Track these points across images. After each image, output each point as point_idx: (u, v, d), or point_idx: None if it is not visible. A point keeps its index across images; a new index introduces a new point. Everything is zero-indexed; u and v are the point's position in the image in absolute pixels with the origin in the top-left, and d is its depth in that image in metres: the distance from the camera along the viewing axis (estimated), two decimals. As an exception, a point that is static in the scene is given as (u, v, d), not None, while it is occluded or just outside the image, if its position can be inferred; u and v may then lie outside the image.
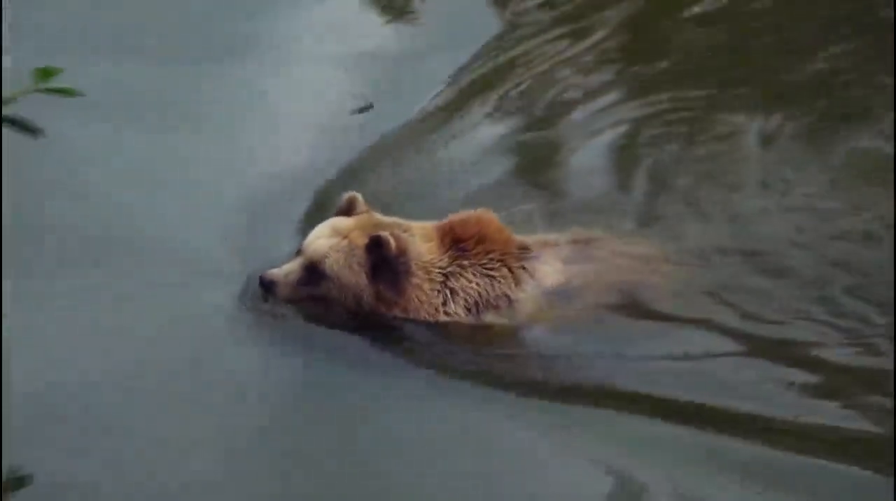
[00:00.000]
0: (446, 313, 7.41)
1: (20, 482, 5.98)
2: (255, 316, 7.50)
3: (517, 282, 7.48)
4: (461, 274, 7.41)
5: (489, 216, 7.59)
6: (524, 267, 7.53)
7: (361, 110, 9.86)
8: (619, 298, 7.59)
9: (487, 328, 7.47)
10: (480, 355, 7.40)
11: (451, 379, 7.20)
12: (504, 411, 6.97)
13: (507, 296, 7.47)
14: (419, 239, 7.42)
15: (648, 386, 7.09)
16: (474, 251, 7.45)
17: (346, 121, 9.80)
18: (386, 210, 7.75)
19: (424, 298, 7.37)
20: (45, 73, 4.65)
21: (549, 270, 7.55)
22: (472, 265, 7.44)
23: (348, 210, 7.51)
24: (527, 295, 7.49)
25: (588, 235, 7.85)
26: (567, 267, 7.61)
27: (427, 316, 7.40)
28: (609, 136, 9.51)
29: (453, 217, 7.59)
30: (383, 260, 7.25)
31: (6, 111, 4.57)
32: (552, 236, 7.81)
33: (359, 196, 7.56)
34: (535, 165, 9.28)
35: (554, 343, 7.43)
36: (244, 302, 7.55)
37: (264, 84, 10.26)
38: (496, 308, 7.47)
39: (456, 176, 9.06)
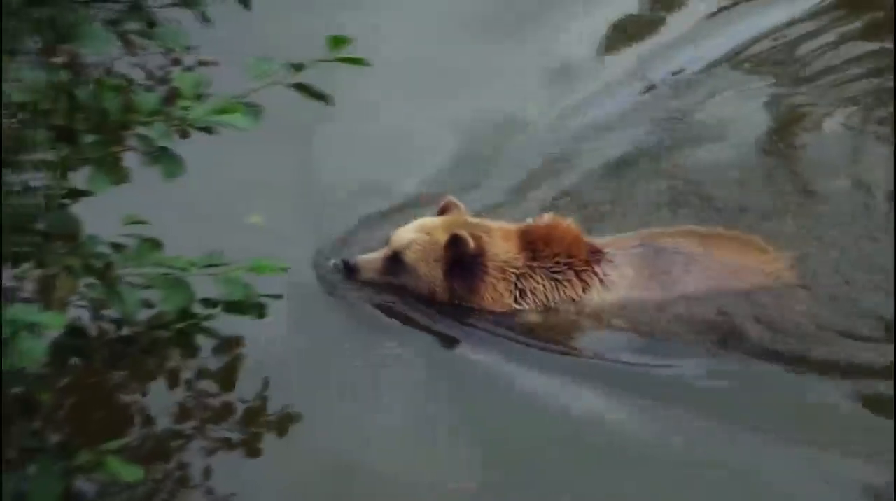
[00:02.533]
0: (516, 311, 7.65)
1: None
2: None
3: (584, 287, 7.65)
4: (531, 276, 7.64)
5: (562, 220, 7.77)
6: (594, 272, 7.65)
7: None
8: (691, 310, 7.63)
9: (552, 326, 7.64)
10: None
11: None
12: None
13: (573, 300, 7.65)
14: (499, 240, 7.66)
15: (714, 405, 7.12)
16: (544, 254, 7.65)
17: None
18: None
19: (497, 296, 7.63)
20: (337, 42, 5.03)
21: (618, 276, 7.67)
22: (540, 268, 7.65)
23: (444, 212, 7.81)
24: (591, 300, 7.65)
25: (667, 238, 7.85)
26: (638, 273, 7.70)
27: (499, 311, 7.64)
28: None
29: (533, 221, 7.84)
30: (461, 258, 7.53)
31: (302, 77, 5.07)
32: (628, 236, 7.89)
33: (455, 200, 7.82)
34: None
35: (604, 349, 7.53)
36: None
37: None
38: (562, 310, 7.65)
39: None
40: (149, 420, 6.67)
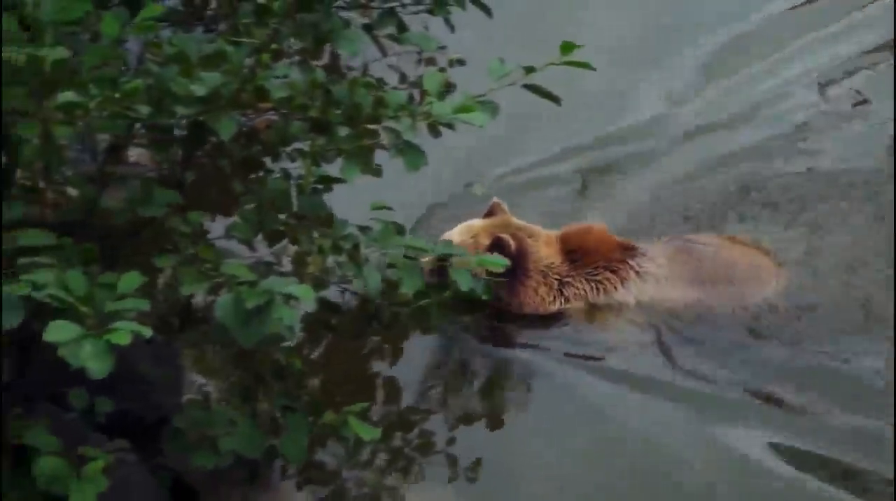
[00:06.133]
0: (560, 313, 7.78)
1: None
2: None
3: (622, 281, 7.79)
4: (572, 281, 7.77)
5: (595, 224, 7.96)
6: (629, 266, 7.82)
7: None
8: (720, 294, 7.80)
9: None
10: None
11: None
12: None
13: (612, 295, 7.79)
14: (542, 245, 7.76)
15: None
16: (583, 259, 7.78)
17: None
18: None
19: (539, 300, 7.74)
20: (567, 47, 5.36)
21: (653, 266, 7.84)
22: (580, 272, 7.78)
23: (491, 214, 7.88)
24: (629, 292, 7.80)
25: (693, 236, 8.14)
26: (671, 261, 7.88)
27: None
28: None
29: (569, 226, 7.97)
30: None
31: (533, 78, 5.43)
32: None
33: (502, 202, 7.88)
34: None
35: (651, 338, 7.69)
36: None
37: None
38: (603, 306, 7.80)
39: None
40: (391, 389, 7.14)
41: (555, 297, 7.75)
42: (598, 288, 7.78)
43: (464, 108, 5.31)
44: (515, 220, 7.84)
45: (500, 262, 5.89)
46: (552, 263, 7.75)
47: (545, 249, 7.76)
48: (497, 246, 7.44)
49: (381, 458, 6.62)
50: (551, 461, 6.75)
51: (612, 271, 7.80)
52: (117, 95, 4.65)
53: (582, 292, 7.78)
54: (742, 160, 9.19)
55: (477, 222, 7.82)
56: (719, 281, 7.85)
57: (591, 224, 7.98)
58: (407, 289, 5.58)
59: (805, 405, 7.20)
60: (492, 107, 5.37)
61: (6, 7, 4.64)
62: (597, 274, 7.78)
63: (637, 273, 7.81)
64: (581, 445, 6.90)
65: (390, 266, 5.60)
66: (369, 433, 5.58)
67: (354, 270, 5.53)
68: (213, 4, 6.92)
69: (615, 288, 7.78)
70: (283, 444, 5.61)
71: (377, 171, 5.76)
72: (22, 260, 4.64)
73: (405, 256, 5.62)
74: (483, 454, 6.68)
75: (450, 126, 5.35)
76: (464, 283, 5.69)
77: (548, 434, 6.93)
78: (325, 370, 7.11)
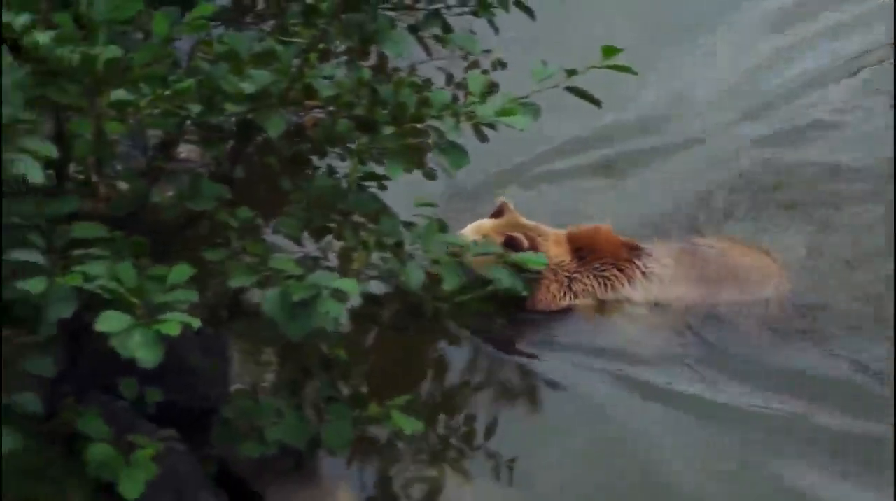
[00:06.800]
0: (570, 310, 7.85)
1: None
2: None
3: (628, 280, 7.88)
4: (581, 278, 7.85)
5: (602, 225, 8.00)
6: (635, 265, 7.90)
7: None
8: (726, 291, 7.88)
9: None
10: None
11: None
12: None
13: (619, 293, 7.87)
14: (552, 243, 7.83)
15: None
16: (590, 257, 7.85)
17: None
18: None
19: (550, 297, 7.81)
20: (609, 51, 5.44)
21: (659, 267, 7.92)
22: (588, 269, 7.85)
23: (498, 214, 7.93)
24: (638, 292, 7.87)
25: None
26: (677, 262, 7.96)
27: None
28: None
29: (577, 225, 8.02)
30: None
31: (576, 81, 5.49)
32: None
33: (509, 202, 7.94)
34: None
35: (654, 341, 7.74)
36: None
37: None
38: (610, 304, 7.87)
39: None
40: (435, 379, 7.23)
41: (564, 293, 7.83)
42: (605, 285, 7.89)
43: (506, 111, 5.38)
44: (524, 219, 7.93)
45: (540, 261, 5.98)
46: (562, 261, 7.84)
47: (555, 248, 7.84)
48: (510, 244, 7.46)
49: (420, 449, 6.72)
50: (552, 461, 6.78)
51: (619, 269, 7.91)
52: (168, 93, 4.76)
53: (590, 288, 7.88)
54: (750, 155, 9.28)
55: (486, 222, 7.90)
56: (724, 283, 7.94)
57: (599, 224, 8.05)
58: (448, 286, 5.64)
59: (805, 405, 7.21)
60: (534, 110, 5.42)
61: (62, 5, 4.76)
62: (604, 271, 7.89)
63: (643, 272, 7.92)
64: (581, 445, 6.93)
65: (433, 262, 5.67)
66: (412, 425, 5.69)
67: (398, 266, 5.63)
68: (262, 5, 7.04)
69: (622, 285, 7.89)
70: (327, 434, 5.73)
71: (430, 174, 5.90)
72: (75, 252, 4.74)
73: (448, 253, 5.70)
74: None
75: (492, 126, 5.42)
76: (504, 280, 5.78)
77: (548, 434, 6.99)
78: (371, 362, 7.19)
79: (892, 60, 10.10)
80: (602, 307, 7.88)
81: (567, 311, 7.84)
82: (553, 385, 7.36)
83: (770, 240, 8.31)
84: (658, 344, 7.72)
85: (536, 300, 7.77)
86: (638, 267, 7.92)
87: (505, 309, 7.62)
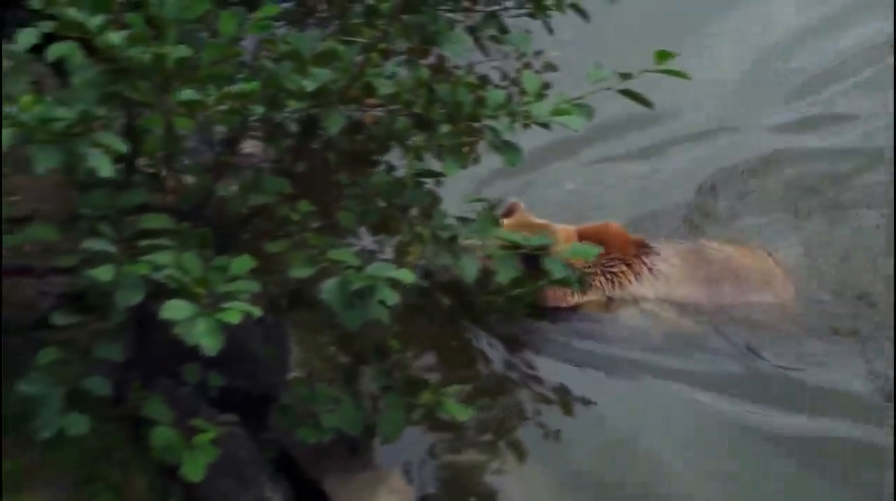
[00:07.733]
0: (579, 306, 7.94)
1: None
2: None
3: (637, 277, 7.99)
4: (591, 275, 7.92)
5: (611, 223, 8.10)
6: (643, 263, 8.01)
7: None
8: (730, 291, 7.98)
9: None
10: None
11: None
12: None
13: (627, 290, 7.98)
14: (562, 242, 7.66)
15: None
16: (600, 254, 7.73)
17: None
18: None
19: (560, 294, 7.87)
20: (662, 56, 5.48)
21: (666, 266, 8.02)
22: (597, 266, 7.92)
23: (510, 213, 7.99)
24: (645, 290, 7.97)
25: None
26: (684, 261, 8.06)
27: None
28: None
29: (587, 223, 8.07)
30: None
31: (630, 84, 5.50)
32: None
33: (520, 202, 8.03)
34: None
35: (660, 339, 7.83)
36: None
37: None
38: (618, 301, 7.96)
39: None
40: (485, 366, 7.39)
41: (573, 290, 7.87)
42: (614, 282, 7.99)
43: (561, 111, 5.44)
44: (535, 219, 8.00)
45: (591, 252, 6.08)
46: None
47: (564, 246, 7.84)
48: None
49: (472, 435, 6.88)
50: (552, 461, 6.88)
51: (628, 266, 8.02)
52: (234, 91, 4.91)
53: (598, 284, 7.98)
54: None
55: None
56: (729, 284, 8.05)
57: (608, 222, 8.14)
58: (502, 279, 5.75)
59: (806, 406, 7.30)
60: (587, 111, 5.49)
61: (133, 6, 4.93)
62: (613, 268, 7.99)
63: (651, 270, 8.02)
64: (581, 445, 7.03)
65: (487, 256, 5.78)
66: (463, 413, 5.84)
67: (452, 260, 5.75)
68: (325, 6, 7.18)
69: (630, 282, 7.99)
70: (380, 422, 5.89)
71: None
72: (143, 243, 4.89)
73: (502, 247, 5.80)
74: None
75: (545, 126, 5.49)
76: (557, 272, 5.89)
77: (550, 434, 7.07)
78: (424, 351, 7.34)
79: (893, 60, 10.17)
80: (610, 304, 7.98)
81: (576, 308, 7.95)
82: (556, 383, 7.47)
83: (770, 241, 8.44)
84: (663, 342, 7.83)
85: (549, 296, 7.84)
86: (646, 264, 8.04)
87: (514, 307, 7.68)
